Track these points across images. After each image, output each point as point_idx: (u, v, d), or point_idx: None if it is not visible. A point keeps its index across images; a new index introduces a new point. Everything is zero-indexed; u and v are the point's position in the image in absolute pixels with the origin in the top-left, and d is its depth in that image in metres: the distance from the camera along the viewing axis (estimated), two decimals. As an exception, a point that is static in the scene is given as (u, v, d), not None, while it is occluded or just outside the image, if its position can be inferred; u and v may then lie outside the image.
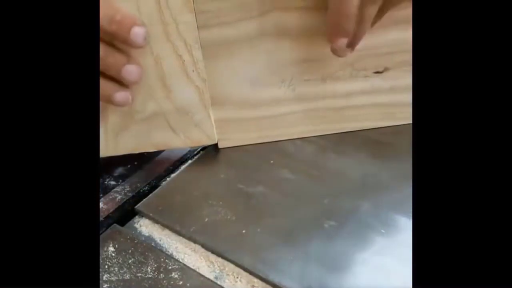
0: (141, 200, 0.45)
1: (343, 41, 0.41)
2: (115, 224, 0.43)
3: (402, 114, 0.50)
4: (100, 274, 0.37)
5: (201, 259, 0.39)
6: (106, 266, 0.38)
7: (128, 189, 0.46)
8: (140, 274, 0.37)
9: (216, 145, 0.50)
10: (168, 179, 0.48)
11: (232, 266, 0.38)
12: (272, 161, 0.48)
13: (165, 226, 0.42)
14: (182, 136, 0.47)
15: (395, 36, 0.46)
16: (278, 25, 0.45)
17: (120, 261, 0.38)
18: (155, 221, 0.43)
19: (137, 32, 0.39)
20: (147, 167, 0.49)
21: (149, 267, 0.38)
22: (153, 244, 0.41)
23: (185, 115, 0.46)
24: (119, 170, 0.49)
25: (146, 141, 0.47)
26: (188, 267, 0.38)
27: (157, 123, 0.46)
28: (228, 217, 0.42)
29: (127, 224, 0.43)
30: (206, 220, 0.42)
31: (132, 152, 0.47)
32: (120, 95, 0.42)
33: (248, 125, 0.49)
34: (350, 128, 0.50)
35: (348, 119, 0.50)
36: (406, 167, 0.46)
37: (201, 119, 0.47)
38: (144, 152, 0.50)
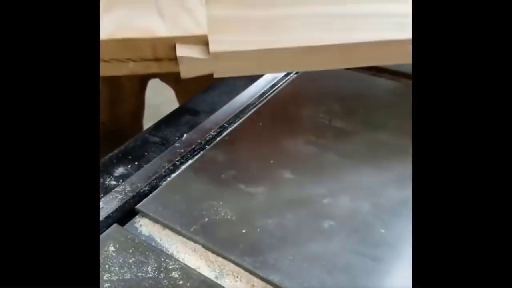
0: (141, 200, 0.45)
1: None
2: (115, 224, 0.43)
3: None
4: (101, 274, 0.37)
5: (201, 258, 0.40)
6: (107, 266, 0.38)
7: (128, 189, 0.46)
8: (140, 274, 0.37)
9: (216, 144, 0.50)
10: (168, 179, 0.48)
11: (232, 265, 0.38)
12: (272, 161, 0.48)
13: (165, 226, 0.42)
14: (169, 21, 0.40)
15: None
16: None
17: (120, 260, 0.39)
18: (156, 221, 0.43)
19: None
20: (147, 167, 0.49)
21: (149, 266, 0.38)
22: (153, 244, 0.41)
23: None
24: (120, 170, 0.49)
25: (129, 25, 0.40)
26: (188, 267, 0.38)
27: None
28: (228, 217, 0.42)
29: (128, 224, 0.43)
30: (206, 220, 0.42)
31: (111, 37, 0.39)
32: None
33: (242, 26, 0.43)
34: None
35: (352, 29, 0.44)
36: (406, 167, 0.46)
37: (193, 3, 0.42)
38: (145, 152, 0.51)
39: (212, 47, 0.40)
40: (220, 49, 0.41)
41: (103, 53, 0.39)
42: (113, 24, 0.39)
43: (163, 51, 0.40)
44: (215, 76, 0.42)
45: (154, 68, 0.41)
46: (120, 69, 0.41)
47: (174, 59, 0.40)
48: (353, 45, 0.43)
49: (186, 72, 0.41)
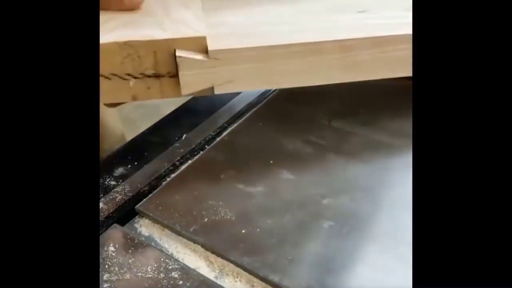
0: (141, 200, 0.45)
1: None
2: (115, 224, 0.43)
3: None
4: (101, 274, 0.37)
5: (201, 259, 0.40)
6: (106, 266, 0.38)
7: (128, 189, 0.46)
8: (140, 274, 0.37)
9: (216, 145, 0.50)
10: (168, 179, 0.48)
11: (232, 266, 0.38)
12: (272, 161, 0.48)
13: (165, 226, 0.42)
14: (168, 30, 0.41)
15: None
16: None
17: (120, 260, 0.39)
18: (155, 221, 0.43)
19: None
20: (147, 167, 0.49)
21: (149, 266, 0.38)
22: (153, 244, 0.41)
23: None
24: (119, 170, 0.49)
25: (128, 32, 0.40)
26: (188, 267, 0.38)
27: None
28: (228, 217, 0.42)
29: (127, 224, 0.43)
30: (206, 220, 0.42)
31: (112, 40, 0.39)
32: None
33: (241, 30, 0.44)
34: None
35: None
36: (406, 167, 0.46)
37: (192, 13, 0.43)
38: (145, 153, 0.51)
39: (211, 46, 0.40)
40: (219, 46, 0.40)
41: (103, 66, 0.39)
42: (113, 32, 0.40)
43: (163, 61, 0.40)
44: (216, 91, 0.42)
45: (155, 89, 0.41)
46: (121, 91, 0.41)
47: (176, 75, 0.40)
48: (352, 42, 0.43)
49: (186, 86, 0.41)
